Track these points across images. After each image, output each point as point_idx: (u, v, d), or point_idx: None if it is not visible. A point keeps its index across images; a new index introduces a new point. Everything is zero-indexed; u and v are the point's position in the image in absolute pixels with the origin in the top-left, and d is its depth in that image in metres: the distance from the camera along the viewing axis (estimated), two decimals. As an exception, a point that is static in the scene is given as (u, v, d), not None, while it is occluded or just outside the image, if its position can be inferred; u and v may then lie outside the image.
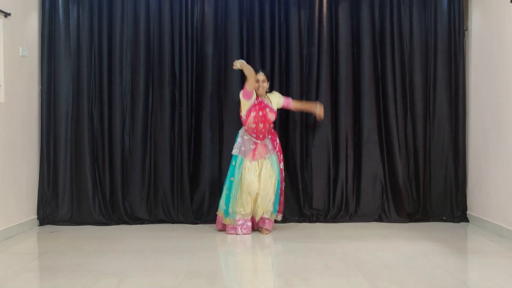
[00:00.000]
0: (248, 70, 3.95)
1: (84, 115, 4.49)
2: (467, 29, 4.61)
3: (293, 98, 4.59)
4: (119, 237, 4.00)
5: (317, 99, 4.61)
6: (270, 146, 4.12)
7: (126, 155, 4.55)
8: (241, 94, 4.07)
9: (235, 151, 4.08)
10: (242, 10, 4.60)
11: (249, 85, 3.97)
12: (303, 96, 4.64)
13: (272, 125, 4.16)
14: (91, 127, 4.51)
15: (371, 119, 4.62)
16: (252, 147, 4.05)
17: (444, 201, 4.62)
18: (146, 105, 4.55)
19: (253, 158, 4.02)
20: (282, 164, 4.19)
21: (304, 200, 4.61)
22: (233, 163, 4.08)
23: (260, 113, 4.03)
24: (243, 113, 4.07)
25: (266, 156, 4.06)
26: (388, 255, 3.43)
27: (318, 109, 4.30)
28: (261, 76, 4.08)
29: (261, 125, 4.04)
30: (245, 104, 4.05)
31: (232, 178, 4.05)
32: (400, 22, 4.62)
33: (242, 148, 4.05)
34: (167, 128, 4.54)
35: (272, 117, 4.11)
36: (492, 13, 4.18)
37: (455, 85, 4.60)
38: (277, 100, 4.20)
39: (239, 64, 3.99)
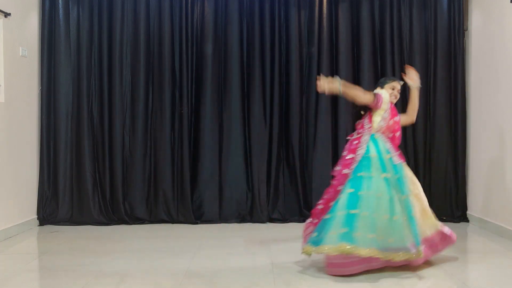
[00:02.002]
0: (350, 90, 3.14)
1: (84, 115, 4.49)
2: (467, 29, 4.61)
3: (293, 98, 4.61)
4: (119, 237, 4.00)
5: (317, 99, 4.61)
6: None
7: (126, 155, 4.55)
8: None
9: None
10: (242, 10, 4.60)
11: (363, 98, 3.15)
12: (303, 96, 4.64)
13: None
14: (91, 127, 4.51)
15: (371, 119, 4.62)
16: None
17: (444, 201, 4.62)
18: (146, 105, 4.55)
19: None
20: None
21: (304, 200, 4.61)
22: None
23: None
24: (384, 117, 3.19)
25: None
26: (388, 255, 3.42)
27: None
28: (398, 84, 3.32)
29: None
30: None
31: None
32: (400, 22, 4.62)
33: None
34: (167, 128, 4.54)
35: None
36: (492, 13, 4.18)
37: (455, 85, 4.60)
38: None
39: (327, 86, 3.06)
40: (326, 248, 2.83)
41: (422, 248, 2.89)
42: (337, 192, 3.05)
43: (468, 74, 4.61)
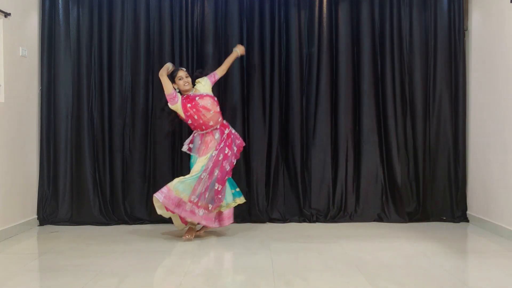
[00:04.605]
0: (162, 76, 3.87)
1: (84, 115, 4.50)
2: (467, 29, 4.61)
3: (293, 98, 4.60)
4: (119, 237, 4.00)
5: (317, 99, 4.62)
6: (217, 136, 3.90)
7: (126, 155, 4.55)
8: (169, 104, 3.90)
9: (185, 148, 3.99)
10: (242, 10, 4.60)
11: (166, 89, 3.85)
12: (303, 96, 4.64)
13: (212, 112, 3.86)
14: (91, 127, 4.51)
15: (370, 119, 4.62)
16: (199, 142, 3.90)
17: (444, 201, 4.62)
18: (146, 105, 4.55)
19: (200, 154, 3.87)
20: (233, 158, 3.92)
21: (304, 200, 4.61)
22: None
23: (189, 105, 3.84)
24: (183, 117, 3.90)
25: (210, 151, 3.86)
26: (388, 255, 3.43)
27: (238, 51, 4.15)
28: (183, 72, 3.91)
29: (195, 117, 3.84)
30: (177, 108, 3.88)
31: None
32: (400, 22, 4.62)
33: (190, 145, 3.97)
34: (167, 128, 4.53)
35: (206, 102, 3.86)
36: (492, 13, 4.18)
37: (455, 85, 4.60)
38: (204, 83, 3.98)
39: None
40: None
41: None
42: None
43: (468, 74, 4.60)
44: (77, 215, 4.47)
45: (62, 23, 4.49)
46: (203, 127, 3.86)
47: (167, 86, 3.83)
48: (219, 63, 4.59)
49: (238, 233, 4.13)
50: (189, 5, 4.55)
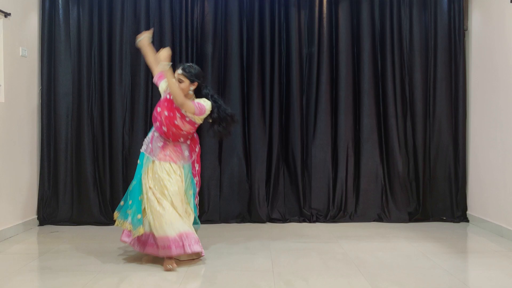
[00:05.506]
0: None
1: (84, 115, 4.49)
2: (467, 29, 4.62)
3: (293, 98, 4.61)
4: (119, 237, 3.98)
5: (317, 99, 4.62)
6: (186, 153, 3.30)
7: (126, 155, 4.55)
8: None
9: (142, 148, 3.34)
10: (242, 10, 4.60)
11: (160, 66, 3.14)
12: (303, 96, 4.64)
13: (183, 132, 3.24)
14: (91, 127, 4.51)
15: (371, 118, 4.62)
16: (160, 144, 3.25)
17: (444, 201, 4.62)
18: (146, 105, 4.55)
19: (161, 159, 3.22)
20: (197, 178, 3.39)
21: (304, 200, 4.61)
22: (139, 162, 3.32)
23: (166, 113, 3.18)
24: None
25: (177, 162, 3.23)
26: (388, 255, 3.43)
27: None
28: (179, 71, 3.19)
29: (164, 128, 3.20)
30: (160, 90, 3.34)
31: (135, 181, 3.30)
32: (400, 22, 4.62)
33: (150, 145, 3.28)
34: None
35: (182, 125, 3.19)
36: (492, 13, 4.18)
37: (455, 85, 4.61)
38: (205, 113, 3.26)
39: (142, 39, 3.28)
40: None
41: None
42: None
43: (468, 74, 4.61)
44: (77, 215, 4.47)
45: (62, 23, 4.49)
46: (170, 139, 3.26)
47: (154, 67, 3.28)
48: (219, 63, 4.60)
49: (238, 233, 4.13)
50: (189, 5, 4.55)
